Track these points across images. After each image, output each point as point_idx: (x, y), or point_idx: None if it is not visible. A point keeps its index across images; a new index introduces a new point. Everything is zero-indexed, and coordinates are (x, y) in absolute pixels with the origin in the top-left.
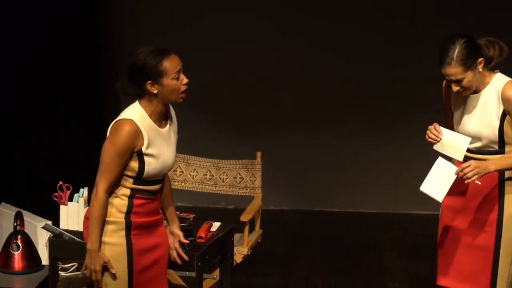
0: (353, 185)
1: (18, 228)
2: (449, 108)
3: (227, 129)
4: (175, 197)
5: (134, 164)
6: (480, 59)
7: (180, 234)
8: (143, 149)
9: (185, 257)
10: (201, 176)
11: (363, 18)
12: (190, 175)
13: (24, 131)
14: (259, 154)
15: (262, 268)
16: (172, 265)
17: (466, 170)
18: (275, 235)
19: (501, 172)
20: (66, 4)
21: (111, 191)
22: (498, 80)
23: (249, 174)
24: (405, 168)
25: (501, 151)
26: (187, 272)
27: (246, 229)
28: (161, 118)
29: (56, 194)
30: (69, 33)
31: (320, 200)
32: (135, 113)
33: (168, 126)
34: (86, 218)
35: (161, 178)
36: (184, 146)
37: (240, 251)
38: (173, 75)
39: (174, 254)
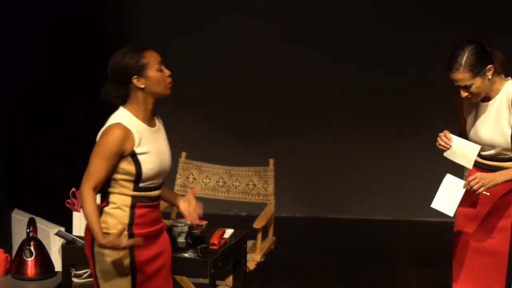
0: (366, 192)
1: (31, 234)
2: (462, 115)
3: (239, 136)
4: None
5: (130, 167)
6: (489, 66)
7: (191, 195)
8: (135, 149)
9: (200, 214)
10: (214, 183)
11: (376, 28)
12: (203, 182)
13: (36, 137)
14: (272, 161)
15: (275, 275)
16: (184, 271)
17: (472, 183)
18: (288, 242)
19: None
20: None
21: (111, 201)
22: (509, 87)
23: (262, 181)
24: (418, 175)
25: None
26: (200, 279)
27: (259, 236)
28: (149, 118)
29: (69, 200)
30: (78, 32)
31: (333, 207)
32: (122, 116)
33: (157, 125)
34: (87, 230)
35: (160, 183)
36: (196, 153)
37: (253, 258)
38: (156, 67)
39: (190, 212)
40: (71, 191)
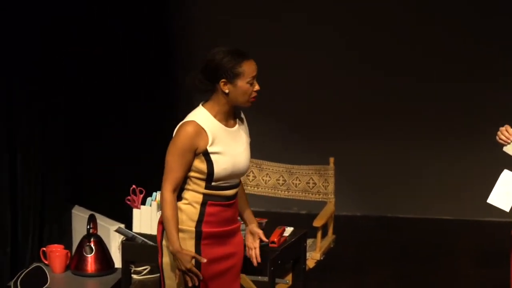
0: (425, 191)
1: (91, 231)
2: None
3: (300, 135)
4: None
5: (202, 165)
6: None
7: (260, 232)
8: (208, 147)
9: (259, 259)
10: (274, 181)
11: (435, 33)
12: (263, 180)
13: (97, 134)
14: (332, 159)
15: (334, 274)
16: (244, 269)
17: None
18: (348, 241)
19: None
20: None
21: (184, 197)
22: None
23: (322, 180)
24: (478, 175)
25: None
26: (260, 277)
27: (319, 234)
28: (227, 118)
29: (129, 197)
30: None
31: (393, 206)
32: (198, 114)
33: (237, 126)
34: (160, 222)
35: (235, 183)
36: (257, 151)
37: (313, 257)
38: (249, 79)
39: (252, 253)
40: (131, 188)
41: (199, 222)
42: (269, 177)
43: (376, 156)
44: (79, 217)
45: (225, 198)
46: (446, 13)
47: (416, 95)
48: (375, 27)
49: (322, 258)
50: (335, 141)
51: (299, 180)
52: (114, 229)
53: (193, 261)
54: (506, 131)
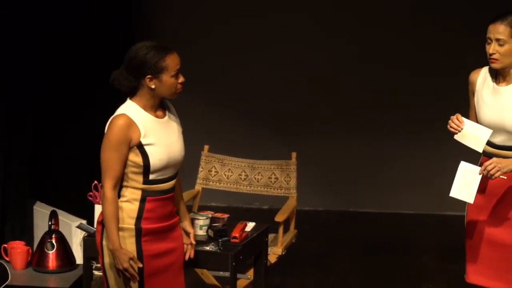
0: (388, 185)
1: (52, 227)
2: (473, 101)
3: (262, 130)
4: (210, 197)
5: (137, 159)
6: None
7: (192, 232)
8: (141, 140)
9: (192, 256)
10: (236, 176)
11: (406, 26)
12: (225, 175)
13: (58, 130)
14: (294, 154)
15: (296, 269)
16: (205, 264)
17: (489, 168)
18: (310, 235)
19: None
20: None
21: (122, 195)
22: None
23: (284, 175)
24: (440, 169)
25: None
26: (221, 272)
27: (281, 229)
28: (156, 109)
29: (91, 193)
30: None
31: (355, 201)
32: (127, 107)
33: (167, 116)
34: (99, 222)
35: (173, 174)
36: (219, 146)
37: (274, 252)
38: (173, 73)
39: (186, 249)
40: (93, 184)
41: (138, 219)
42: (231, 172)
43: (338, 151)
44: (41, 213)
45: (163, 192)
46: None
47: (377, 90)
48: (347, 18)
49: (283, 253)
50: (298, 136)
51: (261, 175)
52: (76, 225)
53: (131, 261)
54: (457, 119)
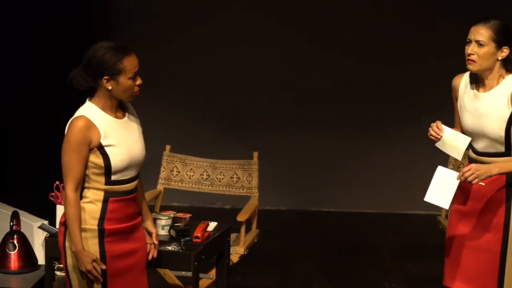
0: (350, 185)
1: (14, 228)
2: (457, 106)
3: (224, 129)
4: (172, 197)
5: (98, 160)
6: (506, 47)
7: (154, 232)
8: (102, 141)
9: (155, 255)
10: (198, 176)
11: (370, 17)
12: (187, 175)
13: (20, 130)
14: (256, 154)
15: (258, 268)
16: (167, 264)
17: (466, 174)
18: (272, 235)
19: (507, 175)
20: None
21: (85, 196)
22: (511, 81)
23: (246, 174)
24: (402, 168)
25: (507, 153)
26: (183, 272)
27: (243, 229)
28: (116, 110)
29: (52, 193)
30: (66, 26)
31: (317, 200)
32: (86, 109)
33: (126, 116)
34: (62, 223)
35: (134, 174)
36: (181, 146)
37: (237, 251)
38: (130, 75)
39: (150, 248)
40: (54, 185)
41: (101, 220)
42: (193, 172)
43: (300, 150)
44: (2, 214)
45: (126, 192)
46: None
47: (340, 90)
48: (302, 13)
49: (246, 253)
50: (259, 135)
51: (223, 175)
52: (38, 226)
53: (95, 263)
54: (437, 127)
